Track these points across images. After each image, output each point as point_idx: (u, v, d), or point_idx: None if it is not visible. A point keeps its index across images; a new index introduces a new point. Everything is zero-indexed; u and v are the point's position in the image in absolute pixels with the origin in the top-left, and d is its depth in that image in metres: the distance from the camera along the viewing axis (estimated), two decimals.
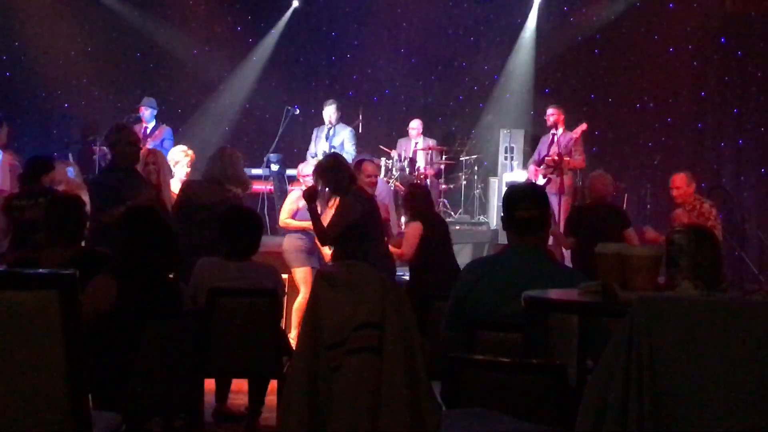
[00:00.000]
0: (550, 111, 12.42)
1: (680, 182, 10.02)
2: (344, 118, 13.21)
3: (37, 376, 3.36)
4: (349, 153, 12.26)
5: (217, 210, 7.20)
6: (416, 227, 8.49)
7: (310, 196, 7.66)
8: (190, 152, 9.78)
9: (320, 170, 7.77)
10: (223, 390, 6.95)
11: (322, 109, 12.98)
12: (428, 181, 13.90)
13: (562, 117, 12.29)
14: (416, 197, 8.83)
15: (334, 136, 12.76)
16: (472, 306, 4.74)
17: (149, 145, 12.61)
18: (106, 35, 15.53)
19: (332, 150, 12.44)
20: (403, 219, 9.54)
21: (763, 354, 2.99)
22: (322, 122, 13.09)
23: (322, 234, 7.60)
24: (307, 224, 8.51)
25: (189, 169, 9.59)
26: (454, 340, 4.77)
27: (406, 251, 8.43)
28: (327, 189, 7.68)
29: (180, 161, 9.56)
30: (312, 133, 13.10)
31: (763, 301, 3.45)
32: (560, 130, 12.31)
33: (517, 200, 4.90)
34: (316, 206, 7.69)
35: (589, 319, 4.35)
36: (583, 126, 12.00)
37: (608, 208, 9.76)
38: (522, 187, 5.70)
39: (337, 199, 7.65)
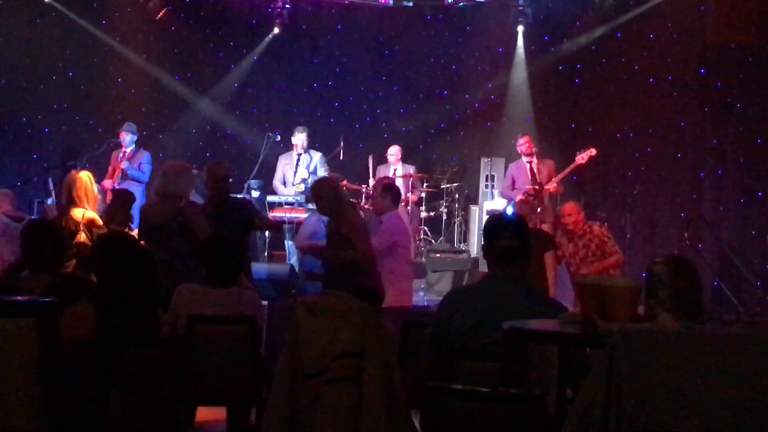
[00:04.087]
0: (522, 140, 12.67)
1: (571, 210, 10.23)
2: (323, 144, 13.33)
3: (14, 403, 3.34)
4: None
5: (170, 227, 7.35)
6: None
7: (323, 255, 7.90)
8: None
9: (314, 196, 7.85)
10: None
11: (293, 135, 13.07)
12: (408, 208, 13.92)
13: (532, 145, 12.58)
14: None
15: (310, 162, 12.88)
16: (452, 335, 4.73)
17: (123, 164, 12.72)
18: (87, 60, 15.50)
19: (311, 176, 12.53)
20: None
21: (742, 385, 3.00)
22: (304, 149, 13.13)
23: (367, 258, 7.68)
24: None
25: None
26: (433, 369, 4.77)
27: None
28: (325, 208, 7.76)
29: None
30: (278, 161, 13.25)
31: (742, 333, 3.47)
32: (534, 159, 12.50)
33: (498, 230, 4.90)
34: (335, 252, 7.85)
35: (569, 349, 4.36)
36: (592, 152, 12.20)
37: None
38: (503, 217, 5.71)
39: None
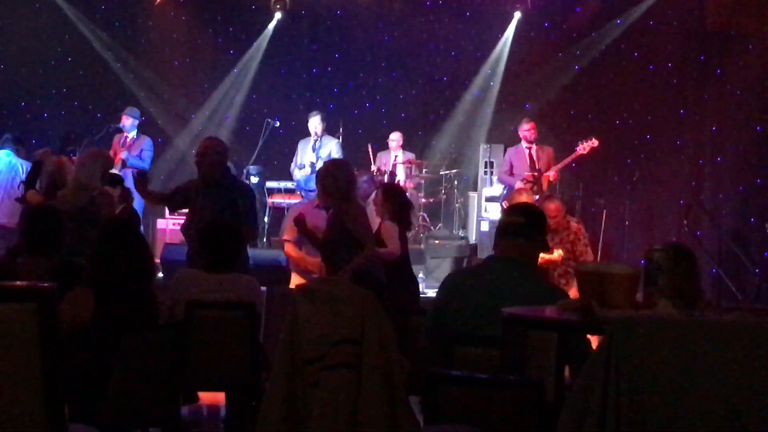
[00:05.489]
0: (527, 126, 12.52)
1: (556, 211, 9.86)
2: (328, 129, 13.25)
3: (13, 388, 3.35)
4: None
5: (81, 216, 7.30)
6: (393, 226, 8.41)
7: (302, 226, 7.74)
8: None
9: (326, 174, 7.71)
10: None
11: (307, 121, 13.01)
12: (408, 194, 13.91)
13: (536, 132, 12.49)
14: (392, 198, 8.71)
15: (321, 148, 12.79)
16: (451, 319, 4.75)
17: (122, 155, 12.64)
18: (86, 46, 15.49)
19: (320, 160, 12.48)
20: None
21: (739, 373, 3.00)
22: (303, 135, 13.10)
23: (375, 257, 7.56)
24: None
25: None
26: (432, 353, 4.79)
27: (394, 248, 8.27)
28: (331, 191, 7.63)
29: None
30: (295, 146, 13.14)
31: (740, 321, 3.47)
32: (534, 146, 12.44)
33: (510, 208, 5.08)
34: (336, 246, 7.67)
35: (569, 336, 4.37)
36: (594, 142, 12.14)
37: None
38: (521, 203, 5.83)
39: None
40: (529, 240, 4.89)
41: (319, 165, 11.92)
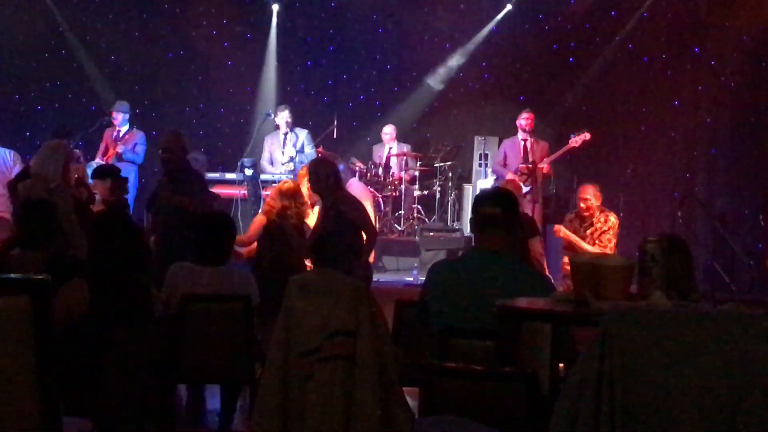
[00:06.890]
0: (526, 115, 12.50)
1: (589, 193, 9.94)
2: (316, 123, 13.29)
3: (7, 382, 3.34)
4: (309, 155, 12.35)
5: None
6: None
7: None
8: None
9: (320, 168, 7.94)
10: None
11: (276, 115, 13.09)
12: (402, 186, 13.94)
13: (533, 123, 12.46)
14: None
15: (297, 140, 12.86)
16: (436, 310, 4.75)
17: (119, 149, 12.63)
18: (80, 38, 15.45)
19: (298, 154, 12.53)
20: None
21: (732, 364, 3.01)
22: (290, 127, 13.10)
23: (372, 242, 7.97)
24: None
25: None
26: (424, 343, 4.82)
27: None
28: (321, 187, 7.85)
29: None
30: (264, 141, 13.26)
31: (733, 312, 3.47)
32: (530, 138, 12.41)
33: (483, 199, 5.03)
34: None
35: (562, 327, 4.37)
36: (586, 136, 12.12)
37: None
38: (491, 189, 5.77)
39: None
40: (508, 229, 4.87)
41: (298, 157, 12.09)
